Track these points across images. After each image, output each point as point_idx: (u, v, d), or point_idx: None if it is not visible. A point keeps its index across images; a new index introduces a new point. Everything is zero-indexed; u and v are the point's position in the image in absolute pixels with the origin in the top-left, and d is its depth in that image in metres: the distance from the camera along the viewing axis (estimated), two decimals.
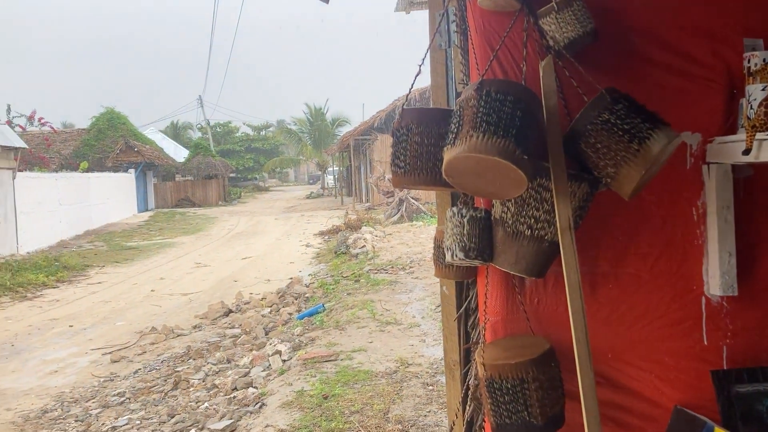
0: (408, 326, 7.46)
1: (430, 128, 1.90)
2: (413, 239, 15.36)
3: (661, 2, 2.01)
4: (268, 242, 19.42)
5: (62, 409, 6.24)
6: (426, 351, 6.45)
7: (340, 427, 4.64)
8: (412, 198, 20.37)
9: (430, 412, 4.85)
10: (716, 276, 1.97)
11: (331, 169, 45.82)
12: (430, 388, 5.36)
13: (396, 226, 18.46)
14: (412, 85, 2.12)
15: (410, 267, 11.54)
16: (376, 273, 11.21)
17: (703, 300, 2.02)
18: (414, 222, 19.20)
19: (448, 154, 1.71)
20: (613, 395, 2.02)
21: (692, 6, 2.00)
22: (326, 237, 18.91)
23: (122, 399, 6.38)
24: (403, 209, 20.07)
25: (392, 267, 11.63)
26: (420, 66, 2.10)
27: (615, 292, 2.03)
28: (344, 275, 11.50)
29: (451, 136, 1.74)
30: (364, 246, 14.22)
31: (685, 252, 2.02)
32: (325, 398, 5.23)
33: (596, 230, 2.01)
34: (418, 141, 1.91)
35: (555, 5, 1.86)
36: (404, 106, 2.01)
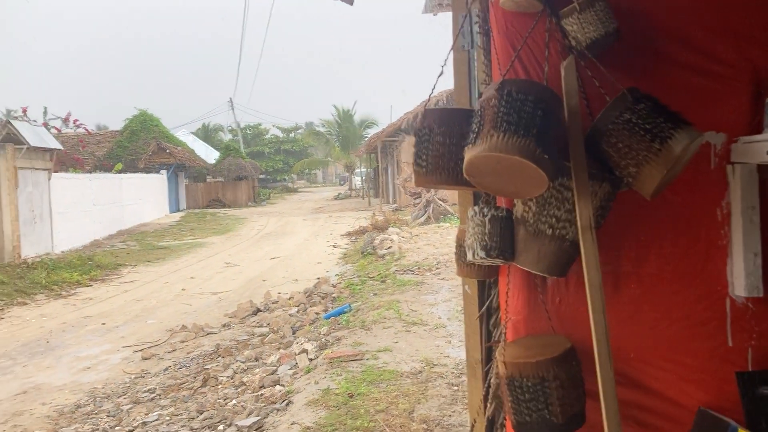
0: (434, 327, 7.45)
1: (452, 128, 1.93)
2: (440, 240, 15.33)
3: (685, 1, 2.00)
4: (297, 243, 19.56)
5: (95, 405, 6.39)
6: (451, 352, 6.44)
7: (365, 425, 4.67)
8: (439, 199, 20.31)
9: (454, 412, 4.85)
10: (741, 277, 1.95)
11: (359, 170, 45.91)
12: (455, 388, 5.36)
13: (423, 228, 18.43)
14: (434, 86, 2.15)
15: (437, 268, 11.51)
16: (403, 274, 11.22)
17: (728, 301, 2.01)
18: (441, 223, 19.14)
19: (469, 154, 1.73)
20: (635, 395, 2.01)
21: (716, 5, 1.99)
22: (353, 238, 18.97)
23: (153, 395, 6.51)
24: (430, 210, 20.03)
25: (418, 268, 11.62)
26: (442, 67, 2.12)
27: (637, 291, 2.02)
28: (371, 276, 11.54)
29: (472, 136, 1.75)
30: (390, 247, 14.24)
31: (709, 252, 2.00)
32: (351, 397, 5.26)
33: (618, 230, 2.00)
34: (440, 141, 1.93)
35: (577, 6, 1.86)
36: (426, 107, 2.04)
